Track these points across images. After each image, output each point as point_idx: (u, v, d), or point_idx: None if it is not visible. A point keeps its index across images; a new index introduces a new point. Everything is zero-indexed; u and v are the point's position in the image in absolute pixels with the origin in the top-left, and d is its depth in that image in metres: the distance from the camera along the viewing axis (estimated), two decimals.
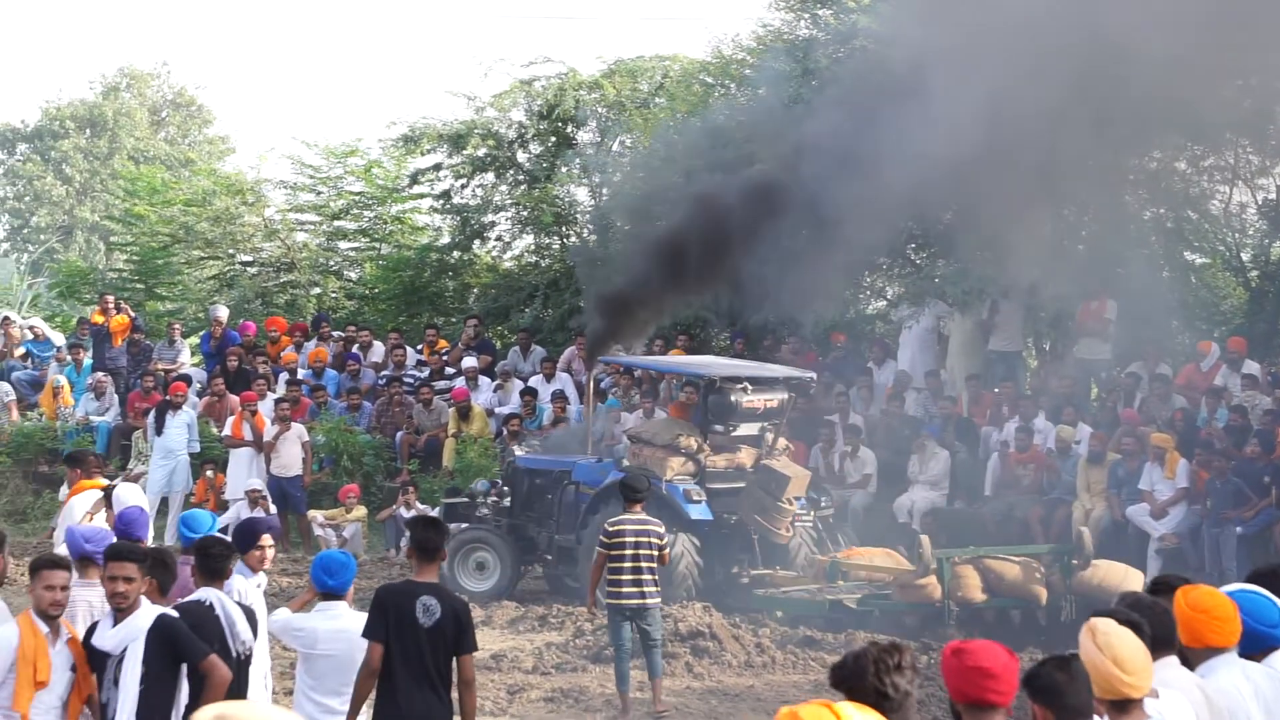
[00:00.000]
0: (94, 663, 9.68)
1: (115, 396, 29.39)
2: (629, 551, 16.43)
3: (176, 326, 32.07)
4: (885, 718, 6.06)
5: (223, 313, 31.34)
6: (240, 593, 11.10)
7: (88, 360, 30.71)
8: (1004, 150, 20.83)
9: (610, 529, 16.52)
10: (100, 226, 45.94)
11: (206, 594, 10.30)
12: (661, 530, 17.01)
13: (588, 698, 17.08)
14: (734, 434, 22.75)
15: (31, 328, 32.86)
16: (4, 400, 29.98)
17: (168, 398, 27.27)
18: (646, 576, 16.58)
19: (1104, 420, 24.47)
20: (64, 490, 16.30)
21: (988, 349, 27.10)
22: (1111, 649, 7.13)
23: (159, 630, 9.53)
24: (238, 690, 10.79)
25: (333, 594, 10.89)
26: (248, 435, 26.48)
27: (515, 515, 23.23)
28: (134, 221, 37.16)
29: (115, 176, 49.34)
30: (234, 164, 51.44)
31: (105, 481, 15.34)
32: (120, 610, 9.66)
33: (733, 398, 22.41)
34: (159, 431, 26.83)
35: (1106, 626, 7.22)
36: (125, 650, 9.55)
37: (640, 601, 16.57)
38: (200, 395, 28.91)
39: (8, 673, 9.43)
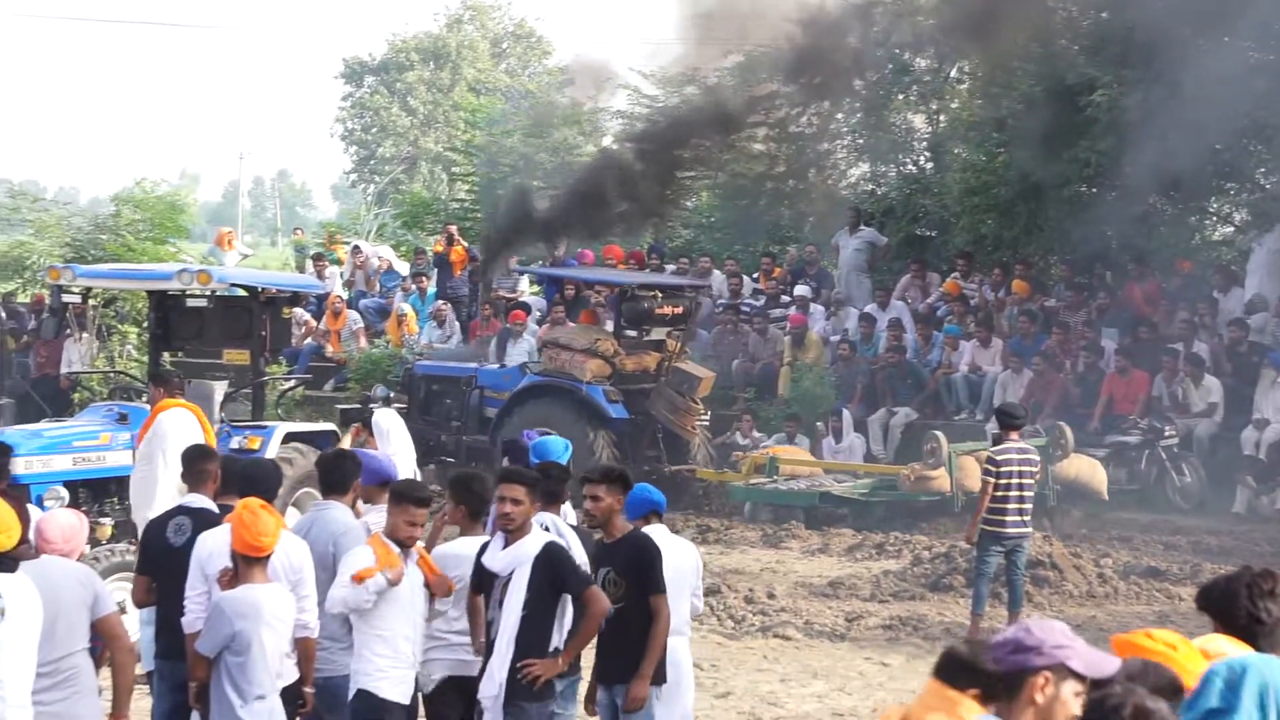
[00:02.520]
0: (484, 582, 9.80)
1: (457, 324, 29.94)
2: (1014, 480, 16.29)
3: (513, 256, 32.55)
4: (1255, 643, 5.99)
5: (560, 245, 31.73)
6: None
7: (431, 289, 31.37)
8: None
9: (997, 458, 16.30)
10: (443, 157, 46.82)
11: (543, 518, 10.42)
12: (1038, 457, 17.04)
13: (926, 625, 17.01)
14: (644, 339, 24.81)
15: (380, 256, 33.68)
16: (353, 328, 30.82)
17: (508, 325, 27.70)
18: (1027, 505, 16.51)
19: None
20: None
21: None
22: None
23: (545, 557, 9.60)
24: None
25: (656, 512, 10.83)
26: None
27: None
28: (475, 152, 37.79)
29: (457, 108, 50.24)
30: (572, 94, 51.94)
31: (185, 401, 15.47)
32: (510, 532, 9.73)
33: (645, 305, 24.43)
34: (499, 357, 27.27)
35: None
36: (512, 573, 9.65)
37: (1022, 530, 16.50)
38: (539, 323, 29.33)
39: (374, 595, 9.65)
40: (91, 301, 19.81)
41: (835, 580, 19.07)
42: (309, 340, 30.46)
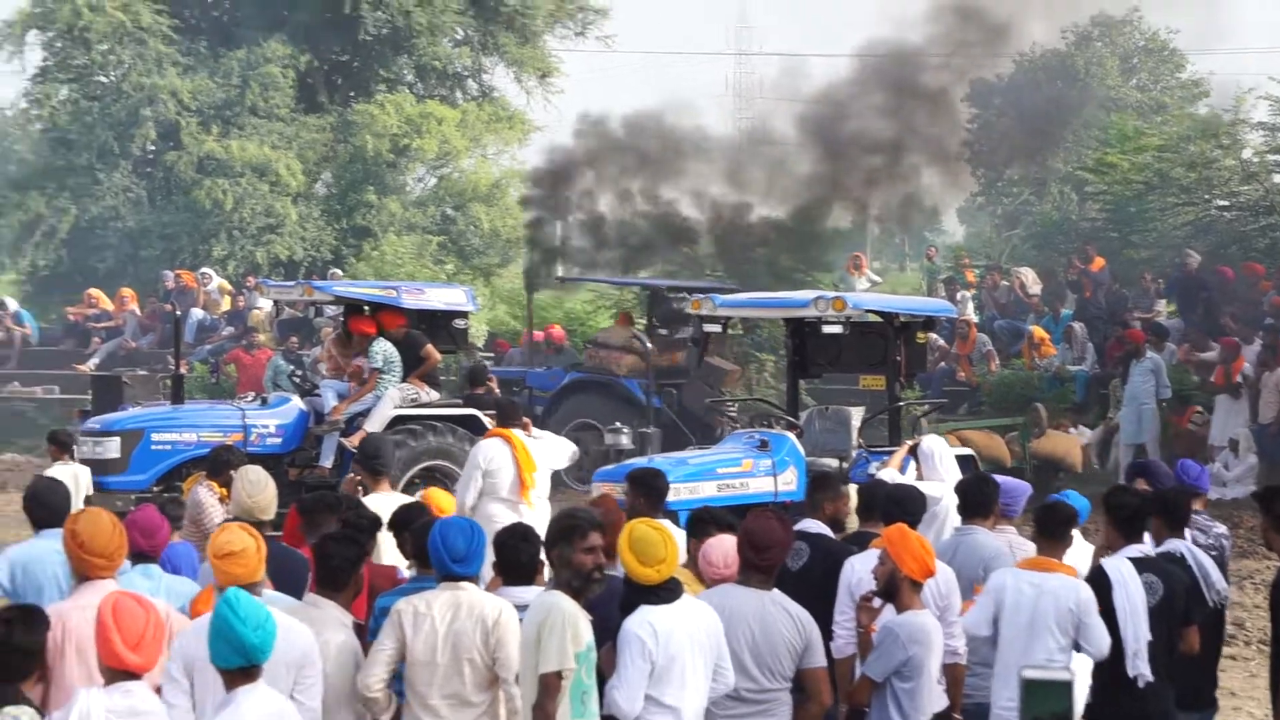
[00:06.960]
0: None
1: (1089, 345, 29.44)
2: None
3: (1147, 274, 31.93)
4: None
5: (1193, 260, 30.98)
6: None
7: (1065, 310, 31.01)
8: None
9: None
10: (1073, 177, 46.11)
11: (1176, 545, 10.39)
12: None
13: None
14: (674, 337, 27.51)
15: (1017, 276, 33.45)
16: (983, 350, 30.65)
17: (1129, 345, 27.15)
18: None
19: None
20: None
21: None
22: None
23: None
24: (1214, 640, 10.67)
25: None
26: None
27: None
28: (1106, 170, 37.17)
29: (1087, 126, 49.58)
30: (1208, 107, 50.59)
31: (517, 432, 16.09)
32: None
33: (675, 305, 27.17)
34: (1124, 379, 26.79)
35: None
36: None
37: None
38: (1178, 343, 28.66)
39: None
40: (731, 331, 20.22)
41: None
42: (942, 364, 30.44)
